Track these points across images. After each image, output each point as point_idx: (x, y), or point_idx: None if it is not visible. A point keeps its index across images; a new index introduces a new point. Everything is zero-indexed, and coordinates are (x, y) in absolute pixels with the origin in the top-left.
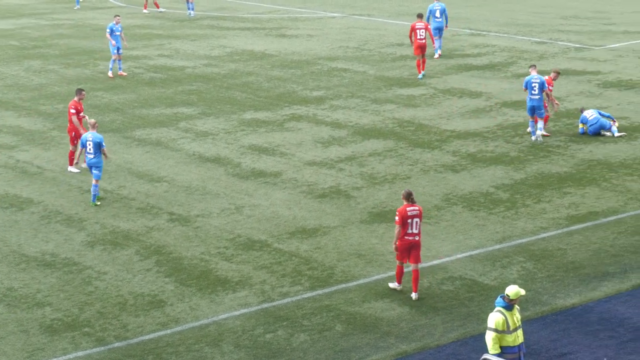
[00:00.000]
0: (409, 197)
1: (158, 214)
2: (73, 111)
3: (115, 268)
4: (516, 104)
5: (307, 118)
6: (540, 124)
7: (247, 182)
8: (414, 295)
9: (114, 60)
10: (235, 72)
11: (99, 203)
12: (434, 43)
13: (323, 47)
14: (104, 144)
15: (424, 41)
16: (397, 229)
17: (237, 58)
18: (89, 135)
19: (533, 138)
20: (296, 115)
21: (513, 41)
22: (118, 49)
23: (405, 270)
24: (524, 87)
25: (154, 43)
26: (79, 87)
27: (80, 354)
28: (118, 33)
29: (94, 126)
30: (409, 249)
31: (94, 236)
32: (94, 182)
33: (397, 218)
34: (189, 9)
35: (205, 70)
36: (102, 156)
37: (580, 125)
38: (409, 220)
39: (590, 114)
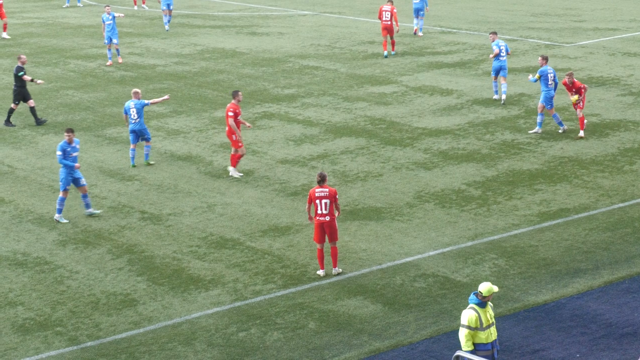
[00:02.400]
0: (320, 180)
1: (130, 213)
2: (231, 114)
3: (87, 267)
4: (487, 102)
5: (279, 116)
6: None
7: (219, 181)
8: (334, 270)
9: (109, 50)
10: (206, 70)
11: (152, 162)
12: (397, 24)
13: (294, 45)
14: (147, 102)
15: (389, 23)
16: (306, 206)
17: (208, 56)
18: (131, 103)
19: (562, 129)
20: (268, 113)
21: (483, 39)
22: (110, 38)
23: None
24: (535, 80)
25: (124, 41)
26: (235, 89)
27: (52, 353)
28: (109, 22)
29: (136, 95)
30: (322, 229)
31: (66, 235)
32: (146, 143)
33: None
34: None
35: (176, 68)
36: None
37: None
38: (317, 201)
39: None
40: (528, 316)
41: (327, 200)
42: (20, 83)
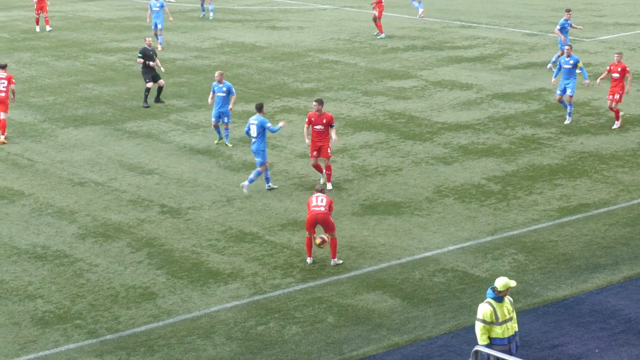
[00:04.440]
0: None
1: (149, 207)
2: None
3: (106, 260)
4: (507, 96)
5: (298, 110)
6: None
7: (238, 174)
8: (332, 262)
9: (155, 35)
10: (225, 64)
11: (230, 145)
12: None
13: (314, 39)
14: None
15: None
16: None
17: (228, 50)
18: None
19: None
20: (287, 107)
21: (504, 33)
22: (155, 24)
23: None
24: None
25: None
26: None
27: (72, 346)
28: (156, 9)
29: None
30: (315, 220)
31: (85, 228)
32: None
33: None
34: (203, 10)
35: (195, 62)
36: None
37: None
38: (314, 197)
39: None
40: (547, 311)
41: (324, 197)
42: (142, 63)
